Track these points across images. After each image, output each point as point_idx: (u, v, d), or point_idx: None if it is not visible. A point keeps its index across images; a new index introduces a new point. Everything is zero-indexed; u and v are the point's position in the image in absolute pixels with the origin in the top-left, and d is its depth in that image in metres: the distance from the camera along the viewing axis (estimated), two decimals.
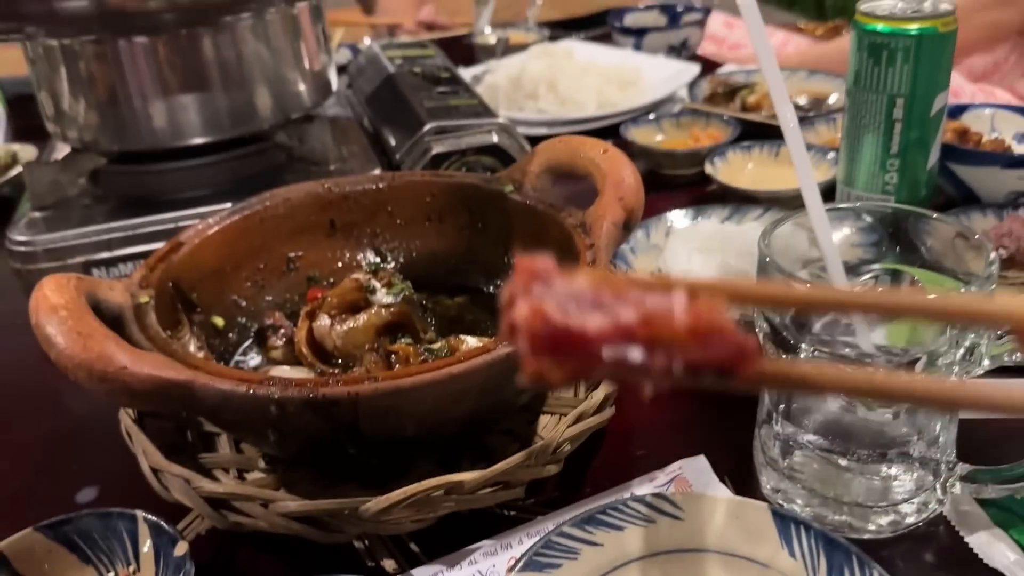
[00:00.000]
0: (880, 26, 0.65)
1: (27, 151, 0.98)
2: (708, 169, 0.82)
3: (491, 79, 1.08)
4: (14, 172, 0.94)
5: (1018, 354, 0.42)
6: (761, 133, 0.92)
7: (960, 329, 0.40)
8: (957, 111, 0.84)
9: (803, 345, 0.44)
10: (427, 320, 0.59)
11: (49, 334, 0.44)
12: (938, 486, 0.46)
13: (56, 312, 0.44)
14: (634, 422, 0.57)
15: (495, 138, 0.77)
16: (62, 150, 0.85)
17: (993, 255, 0.42)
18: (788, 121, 0.44)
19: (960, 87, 1.05)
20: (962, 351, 0.41)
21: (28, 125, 1.20)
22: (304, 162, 0.79)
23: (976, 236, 0.44)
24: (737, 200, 0.78)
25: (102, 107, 0.72)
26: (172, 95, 0.71)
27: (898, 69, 0.65)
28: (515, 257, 0.22)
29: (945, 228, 0.48)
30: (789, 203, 0.77)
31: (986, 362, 0.42)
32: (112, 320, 0.48)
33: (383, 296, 0.58)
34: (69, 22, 0.63)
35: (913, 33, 0.65)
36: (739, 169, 0.84)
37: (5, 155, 0.98)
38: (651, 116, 0.96)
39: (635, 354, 0.21)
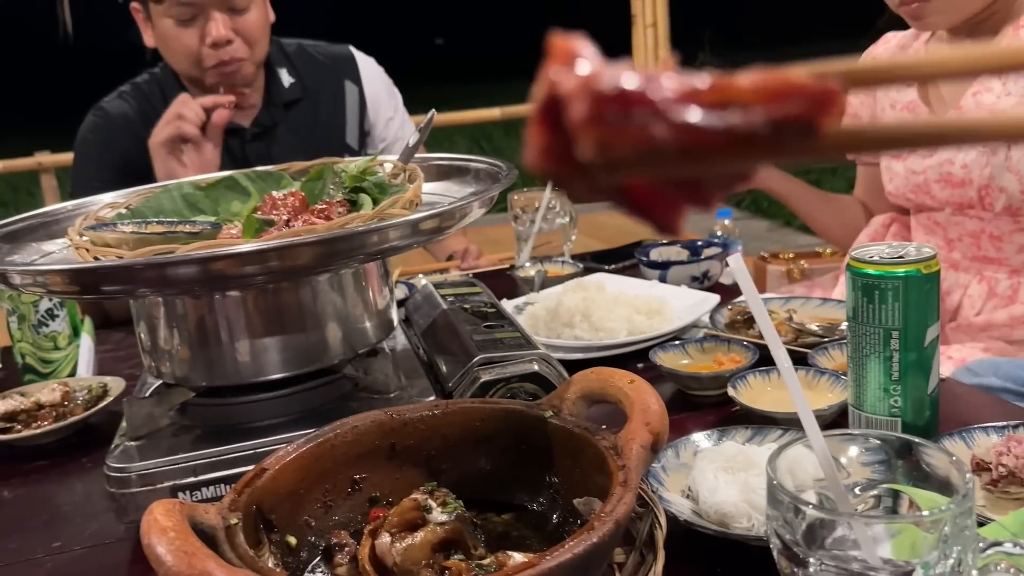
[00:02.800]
0: (871, 269, 0.75)
1: (117, 383, 1.10)
2: (731, 392, 0.90)
3: (532, 310, 1.19)
4: (105, 403, 1.05)
5: (1002, 566, 0.47)
6: None
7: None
8: None
9: (812, 560, 0.49)
10: (478, 537, 0.66)
11: (159, 553, 0.51)
12: None
13: (165, 533, 0.52)
14: None
15: (536, 367, 0.87)
16: (152, 383, 0.96)
17: (969, 474, 0.48)
18: (782, 361, 0.52)
19: None
20: (951, 561, 0.46)
21: (112, 356, 1.34)
22: (368, 391, 0.89)
23: (955, 458, 0.51)
24: (759, 421, 0.85)
25: (195, 348, 0.83)
26: (256, 337, 0.83)
27: (890, 306, 0.74)
28: (550, 38, 0.20)
29: (939, 453, 0.55)
30: None
31: (974, 573, 0.48)
32: (208, 540, 0.56)
33: (438, 514, 0.65)
34: (176, 285, 0.75)
35: (900, 275, 0.74)
36: (760, 392, 0.92)
37: (97, 387, 1.10)
38: (677, 342, 1.05)
39: (706, 116, 0.19)
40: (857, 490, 0.60)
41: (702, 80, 0.19)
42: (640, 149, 0.19)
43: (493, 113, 5.83)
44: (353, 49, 1.83)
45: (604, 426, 0.66)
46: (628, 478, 0.59)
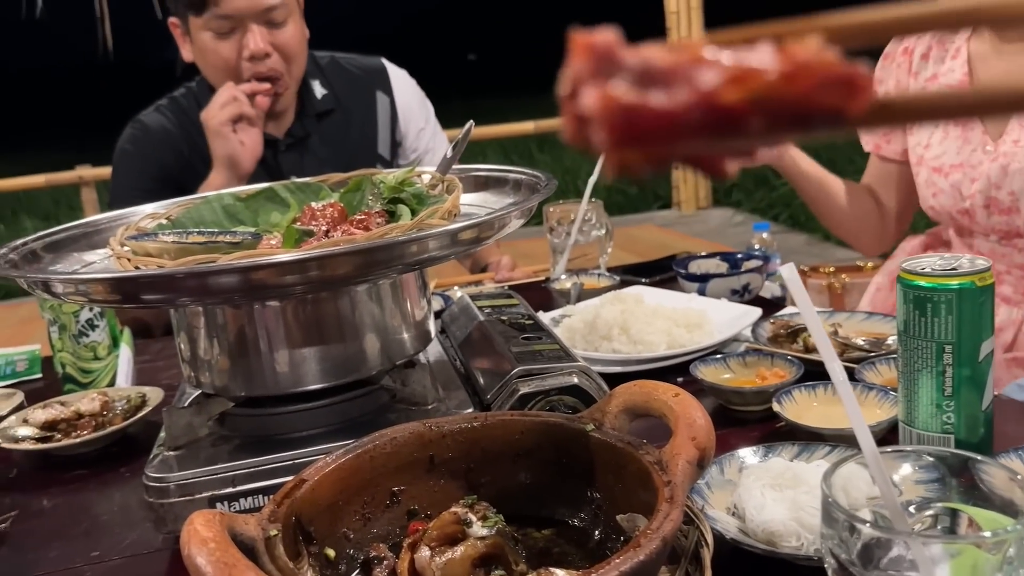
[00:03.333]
0: (923, 282, 0.73)
1: (155, 393, 1.10)
2: (776, 407, 0.88)
3: (569, 322, 1.18)
4: (143, 413, 1.05)
5: None
6: (824, 373, 0.98)
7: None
8: None
9: None
10: (519, 552, 0.64)
11: (199, 564, 0.51)
12: None
13: (206, 544, 0.52)
14: None
15: (575, 379, 0.85)
16: (190, 393, 0.96)
17: None
18: (837, 375, 0.51)
19: None
20: None
21: (151, 366, 1.35)
22: (406, 403, 0.88)
23: (1019, 476, 0.49)
24: (805, 437, 0.83)
25: (234, 358, 0.83)
26: (295, 348, 0.82)
27: (943, 320, 0.72)
28: (571, 34, 0.19)
29: (999, 471, 0.53)
30: (854, 441, 0.81)
31: None
32: (247, 551, 0.55)
33: (479, 529, 0.64)
34: (216, 295, 0.75)
35: (954, 287, 0.72)
36: (805, 407, 0.90)
37: (136, 397, 1.10)
38: (719, 355, 1.03)
39: (727, 121, 0.18)
40: (912, 509, 0.57)
41: (729, 67, 0.19)
42: (664, 161, 0.19)
43: (526, 127, 5.86)
44: (385, 61, 1.84)
45: (645, 440, 0.64)
46: (674, 494, 0.58)
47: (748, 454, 0.79)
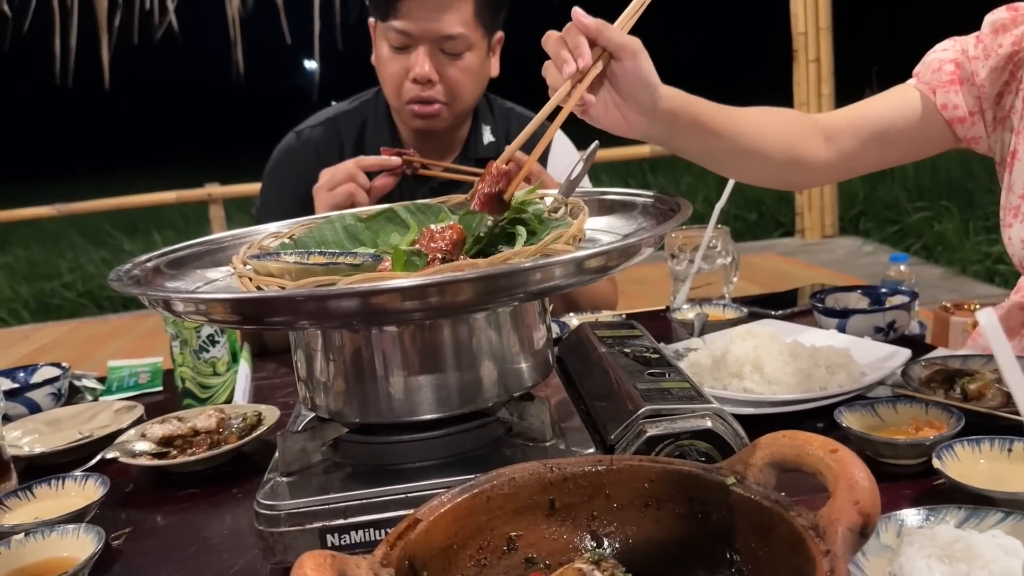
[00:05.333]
0: None
1: (271, 412, 1.09)
2: (936, 464, 0.79)
3: (694, 356, 1.11)
4: (258, 432, 1.04)
5: None
6: (989, 425, 0.87)
7: None
8: None
9: None
10: None
11: None
12: None
13: None
14: None
15: (709, 423, 0.79)
16: (305, 415, 0.94)
17: None
18: None
19: None
20: None
21: (268, 383, 1.35)
22: (522, 437, 0.83)
23: None
24: (970, 499, 0.74)
25: (349, 382, 0.81)
26: (411, 375, 0.79)
27: None
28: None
29: None
30: None
31: None
32: None
33: None
34: (335, 318, 0.73)
35: None
36: (970, 465, 0.80)
37: (252, 415, 1.10)
38: (865, 401, 0.94)
39: None
40: None
41: None
42: None
43: (642, 150, 5.78)
44: (558, 131, 1.75)
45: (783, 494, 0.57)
46: (835, 567, 0.50)
47: (908, 516, 0.70)
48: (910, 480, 0.84)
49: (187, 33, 5.40)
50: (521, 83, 1.81)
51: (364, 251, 0.92)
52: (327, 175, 1.41)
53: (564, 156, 1.72)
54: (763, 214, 6.50)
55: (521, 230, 0.92)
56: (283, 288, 0.76)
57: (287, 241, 0.98)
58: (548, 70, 0.98)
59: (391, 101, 1.57)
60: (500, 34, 1.60)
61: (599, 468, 0.68)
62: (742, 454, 0.63)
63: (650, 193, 0.97)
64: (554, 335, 1.29)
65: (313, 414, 0.89)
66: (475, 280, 0.70)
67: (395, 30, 1.46)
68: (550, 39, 0.96)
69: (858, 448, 0.88)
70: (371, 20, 1.57)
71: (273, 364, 1.43)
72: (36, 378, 1.34)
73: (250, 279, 0.81)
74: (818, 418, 0.96)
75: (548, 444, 0.82)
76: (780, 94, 5.95)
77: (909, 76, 1.23)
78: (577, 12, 0.94)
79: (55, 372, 1.34)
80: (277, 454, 0.82)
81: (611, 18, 0.98)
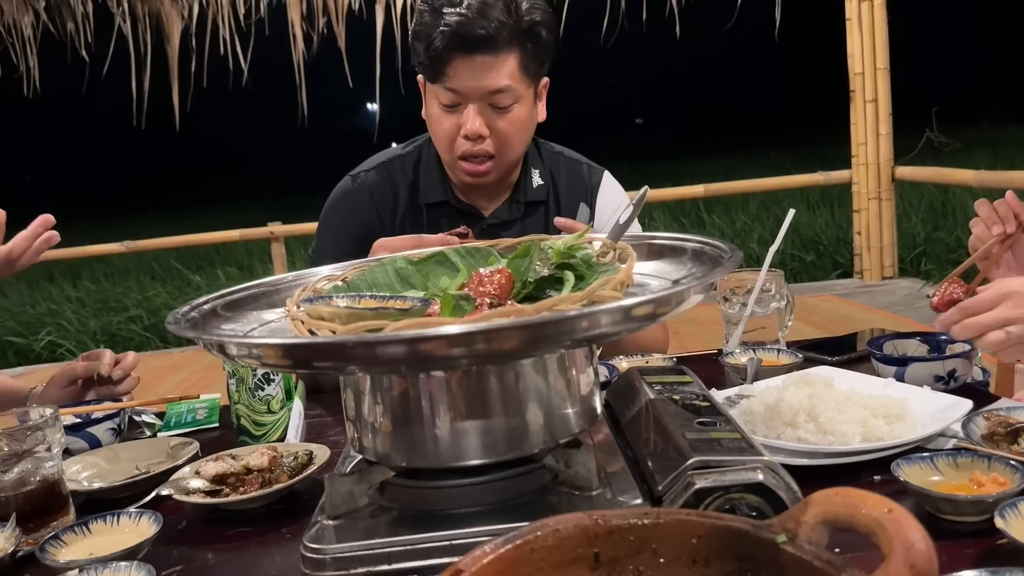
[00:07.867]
0: None
1: (322, 451, 1.10)
2: (999, 523, 0.75)
3: (747, 404, 1.09)
4: (309, 471, 1.05)
5: None
6: None
7: None
8: None
9: None
10: None
11: None
12: None
13: None
14: None
15: (760, 476, 0.77)
16: (353, 457, 0.95)
17: None
18: None
19: None
20: None
21: (320, 421, 1.36)
22: (568, 485, 0.83)
23: None
24: None
25: (396, 426, 0.81)
26: (457, 420, 0.79)
27: None
28: None
29: None
30: None
31: None
32: None
33: None
34: (383, 364, 0.73)
35: None
36: None
37: (303, 454, 1.11)
38: (924, 454, 0.91)
39: None
40: None
41: None
42: None
43: (696, 190, 5.75)
44: (606, 174, 1.76)
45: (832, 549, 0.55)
46: None
47: None
48: (971, 538, 0.81)
49: (255, 77, 5.58)
50: (564, 121, 1.82)
51: (414, 294, 0.93)
52: (388, 247, 1.42)
53: (612, 200, 1.72)
54: (821, 254, 6.38)
55: (569, 275, 0.92)
56: (333, 332, 0.77)
57: (340, 284, 1.00)
58: (976, 224, 1.30)
59: (443, 156, 1.61)
60: (546, 80, 1.62)
61: (645, 521, 0.66)
62: (794, 511, 0.62)
63: (699, 238, 0.97)
64: (602, 379, 1.28)
65: (361, 456, 0.89)
66: (520, 328, 0.70)
67: (447, 89, 1.50)
68: (984, 204, 1.28)
69: (916, 504, 0.86)
70: (420, 77, 1.61)
71: (326, 402, 1.45)
72: (97, 413, 1.38)
73: (302, 322, 0.82)
74: (875, 470, 0.93)
75: (594, 493, 0.82)
76: (838, 135, 5.88)
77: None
78: (1011, 194, 1.28)
79: (115, 407, 1.37)
80: (325, 496, 0.82)
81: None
